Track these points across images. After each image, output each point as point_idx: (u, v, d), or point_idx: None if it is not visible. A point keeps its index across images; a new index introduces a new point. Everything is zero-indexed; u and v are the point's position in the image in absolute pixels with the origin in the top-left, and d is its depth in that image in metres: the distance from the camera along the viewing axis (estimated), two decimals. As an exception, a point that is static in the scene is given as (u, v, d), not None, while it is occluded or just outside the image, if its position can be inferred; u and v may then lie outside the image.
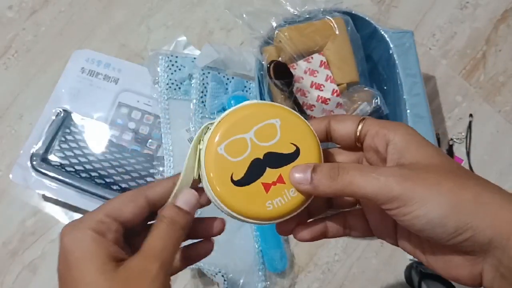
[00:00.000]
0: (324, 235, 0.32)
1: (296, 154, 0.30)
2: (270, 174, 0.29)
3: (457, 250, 0.26)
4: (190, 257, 0.34)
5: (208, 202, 0.31)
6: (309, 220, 0.32)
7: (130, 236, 0.30)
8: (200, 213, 0.33)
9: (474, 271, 0.26)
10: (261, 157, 0.30)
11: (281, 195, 0.29)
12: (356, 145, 0.31)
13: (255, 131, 0.30)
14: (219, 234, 0.33)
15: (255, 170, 0.29)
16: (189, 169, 0.31)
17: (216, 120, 0.30)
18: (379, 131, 0.29)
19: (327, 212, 0.33)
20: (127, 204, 0.29)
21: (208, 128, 0.31)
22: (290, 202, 0.29)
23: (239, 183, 0.29)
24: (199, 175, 0.31)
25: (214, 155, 0.29)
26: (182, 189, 0.30)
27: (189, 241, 0.34)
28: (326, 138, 0.32)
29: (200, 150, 0.30)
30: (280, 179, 0.29)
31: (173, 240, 0.28)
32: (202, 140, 0.30)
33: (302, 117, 0.31)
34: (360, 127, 0.30)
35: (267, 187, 0.29)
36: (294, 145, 0.30)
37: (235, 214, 0.29)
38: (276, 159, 0.30)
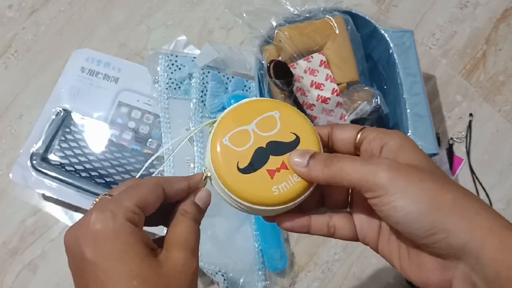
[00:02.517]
0: (306, 228, 0.33)
1: (296, 142, 0.31)
2: (273, 161, 0.31)
3: (431, 251, 0.26)
4: None
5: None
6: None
7: None
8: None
9: (444, 277, 0.26)
10: (264, 146, 0.31)
11: (285, 180, 0.30)
12: (354, 152, 0.32)
13: (256, 123, 0.32)
14: None
15: (259, 158, 0.31)
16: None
17: (218, 118, 0.32)
18: (376, 136, 0.30)
19: (319, 210, 0.34)
20: (151, 195, 0.29)
21: (212, 125, 0.32)
22: (295, 186, 0.30)
23: (245, 170, 0.30)
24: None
25: (220, 146, 0.31)
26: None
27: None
28: (328, 143, 0.33)
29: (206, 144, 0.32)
30: (284, 166, 0.31)
31: (198, 235, 0.30)
32: (211, 129, 0.32)
33: (299, 110, 0.33)
34: (359, 134, 0.31)
35: (272, 173, 0.30)
36: (294, 134, 0.32)
37: (242, 202, 0.30)
38: (278, 147, 0.31)
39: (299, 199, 0.31)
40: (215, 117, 0.65)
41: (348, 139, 0.32)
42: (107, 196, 0.30)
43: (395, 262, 0.30)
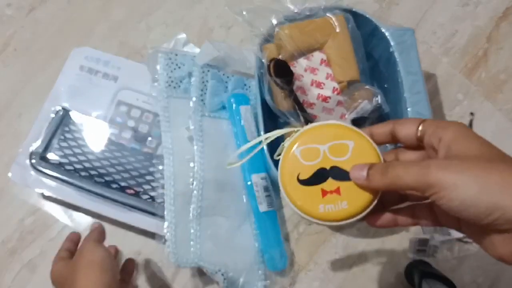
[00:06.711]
0: (393, 223, 0.36)
1: None
2: (330, 184, 0.34)
3: (494, 229, 0.29)
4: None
5: None
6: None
7: None
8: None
9: None
10: (327, 168, 0.34)
11: (333, 203, 0.34)
12: (417, 144, 0.35)
13: (330, 146, 0.35)
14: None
15: (319, 176, 0.34)
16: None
17: (303, 128, 0.36)
18: (433, 131, 0.33)
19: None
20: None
21: (295, 132, 0.36)
22: (339, 212, 0.34)
23: (303, 182, 0.34)
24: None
25: (290, 154, 0.35)
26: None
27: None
28: (392, 140, 0.36)
29: (283, 145, 0.36)
30: (338, 190, 0.34)
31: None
32: (289, 138, 0.36)
33: (374, 144, 0.35)
34: (420, 127, 0.34)
35: (324, 193, 0.34)
36: None
37: (291, 205, 0.35)
38: (339, 174, 0.34)
39: (338, 223, 0.34)
40: (215, 116, 0.65)
41: (410, 134, 0.34)
42: None
43: (476, 241, 0.32)
